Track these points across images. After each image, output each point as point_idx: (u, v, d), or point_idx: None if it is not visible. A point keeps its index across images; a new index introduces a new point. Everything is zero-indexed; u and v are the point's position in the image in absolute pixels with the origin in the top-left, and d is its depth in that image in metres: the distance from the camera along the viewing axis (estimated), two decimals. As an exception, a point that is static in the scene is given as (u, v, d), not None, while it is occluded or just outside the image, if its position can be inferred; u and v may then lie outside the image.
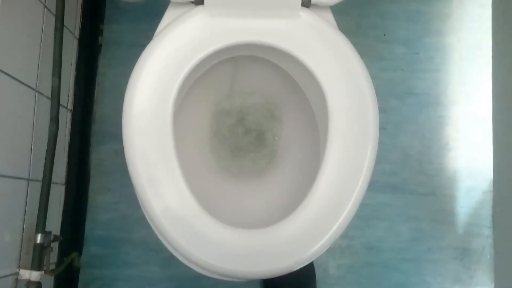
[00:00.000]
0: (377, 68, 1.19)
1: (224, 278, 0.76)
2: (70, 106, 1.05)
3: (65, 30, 0.92)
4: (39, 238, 0.85)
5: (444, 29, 1.21)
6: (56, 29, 0.87)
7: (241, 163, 0.94)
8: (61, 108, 0.93)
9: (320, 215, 0.70)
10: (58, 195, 1.00)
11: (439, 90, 1.19)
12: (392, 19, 1.21)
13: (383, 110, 1.14)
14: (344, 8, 1.02)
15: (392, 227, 1.14)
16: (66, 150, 1.03)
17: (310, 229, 0.70)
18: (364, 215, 1.14)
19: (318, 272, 1.11)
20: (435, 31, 1.21)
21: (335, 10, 0.80)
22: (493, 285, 1.13)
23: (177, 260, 0.77)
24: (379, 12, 1.21)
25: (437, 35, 1.21)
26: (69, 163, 1.04)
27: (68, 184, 1.04)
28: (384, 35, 1.20)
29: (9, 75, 0.77)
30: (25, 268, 0.83)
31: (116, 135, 1.14)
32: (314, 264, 1.10)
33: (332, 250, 1.13)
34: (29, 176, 0.86)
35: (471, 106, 1.19)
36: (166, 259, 1.09)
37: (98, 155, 1.12)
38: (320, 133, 0.83)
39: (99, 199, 1.11)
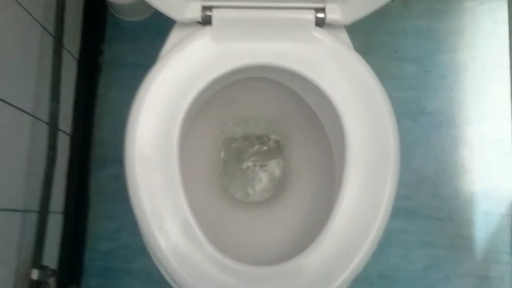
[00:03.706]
0: (388, 87, 1.12)
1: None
2: (69, 130, 1.00)
3: (64, 51, 0.89)
4: (35, 274, 0.79)
5: (456, 46, 1.17)
6: (54, 52, 0.83)
7: (251, 190, 0.89)
8: (59, 133, 0.88)
9: (338, 251, 0.66)
10: (55, 225, 0.95)
11: (453, 109, 1.15)
12: (402, 36, 1.18)
13: (396, 131, 1.11)
14: (353, 25, 0.98)
15: (406, 254, 1.09)
16: (65, 177, 0.99)
17: (327, 265, 0.65)
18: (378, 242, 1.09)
19: (331, 303, 1.05)
20: (447, 48, 1.17)
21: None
22: (514, 314, 1.08)
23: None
24: (388, 29, 1.18)
25: (449, 53, 1.17)
26: (68, 190, 0.99)
27: (66, 213, 0.99)
28: (395, 52, 1.17)
29: (1, 100, 0.72)
30: (19, 306, 0.78)
31: (116, 160, 1.08)
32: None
33: (344, 280, 1.07)
34: (24, 208, 0.81)
35: (487, 125, 1.14)
36: (170, 290, 1.03)
37: (97, 181, 1.07)
38: (335, 158, 0.78)
39: (99, 227, 1.06)
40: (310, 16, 0.70)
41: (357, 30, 1.15)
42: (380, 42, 1.17)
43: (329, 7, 0.71)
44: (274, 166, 0.91)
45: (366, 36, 1.17)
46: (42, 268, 0.81)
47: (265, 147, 0.92)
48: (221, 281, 0.63)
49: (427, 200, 1.11)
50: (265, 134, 0.92)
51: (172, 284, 0.69)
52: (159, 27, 1.13)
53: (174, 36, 0.71)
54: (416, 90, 1.16)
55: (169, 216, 0.64)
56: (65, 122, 0.99)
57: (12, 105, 0.76)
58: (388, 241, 1.08)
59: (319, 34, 0.71)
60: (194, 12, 0.69)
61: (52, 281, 0.89)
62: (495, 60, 1.17)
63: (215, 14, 0.69)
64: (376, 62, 1.14)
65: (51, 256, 0.94)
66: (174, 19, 0.70)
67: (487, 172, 1.12)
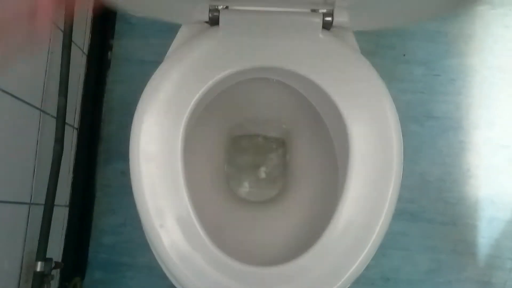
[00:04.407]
0: (395, 90, 1.12)
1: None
2: (76, 124, 1.01)
3: (73, 46, 0.89)
4: (39, 266, 0.80)
5: (466, 50, 1.16)
6: (64, 47, 0.84)
7: (255, 190, 0.89)
8: (67, 127, 0.89)
9: (339, 253, 0.66)
10: (61, 217, 0.96)
11: (460, 113, 1.14)
12: (411, 39, 1.17)
13: (402, 134, 1.10)
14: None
15: (409, 258, 1.09)
16: (71, 170, 0.99)
17: (329, 266, 0.66)
18: (380, 244, 1.08)
19: (331, 304, 1.05)
20: (456, 52, 1.16)
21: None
22: (515, 321, 1.08)
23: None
24: (397, 32, 1.17)
25: (458, 57, 1.16)
26: (74, 184, 1.00)
27: (72, 206, 0.99)
28: (404, 55, 1.16)
29: (11, 94, 0.73)
30: (23, 297, 0.79)
31: (122, 155, 1.08)
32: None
33: (346, 281, 1.07)
34: (30, 200, 0.82)
35: (494, 130, 1.13)
36: (172, 286, 1.04)
37: (104, 175, 1.08)
38: (338, 160, 0.78)
39: (103, 221, 1.07)
40: (318, 19, 0.70)
41: (365, 32, 1.15)
42: (388, 44, 1.16)
43: (337, 11, 0.70)
44: (277, 166, 0.91)
45: (375, 38, 1.16)
46: (46, 260, 0.81)
47: (270, 148, 0.92)
48: (222, 280, 0.63)
49: (432, 204, 1.11)
50: (270, 135, 0.92)
51: (173, 281, 0.69)
52: (168, 24, 1.12)
53: (182, 35, 0.72)
54: (423, 94, 1.15)
55: (171, 214, 0.64)
56: (73, 116, 0.99)
57: (21, 99, 0.77)
58: (390, 243, 1.08)
59: (326, 37, 0.70)
60: (201, 13, 0.69)
61: (56, 273, 0.90)
62: (505, 65, 1.15)
63: (223, 14, 0.69)
64: (384, 65, 1.15)
65: (56, 248, 0.95)
66: (182, 23, 0.70)
67: (493, 177, 1.12)
